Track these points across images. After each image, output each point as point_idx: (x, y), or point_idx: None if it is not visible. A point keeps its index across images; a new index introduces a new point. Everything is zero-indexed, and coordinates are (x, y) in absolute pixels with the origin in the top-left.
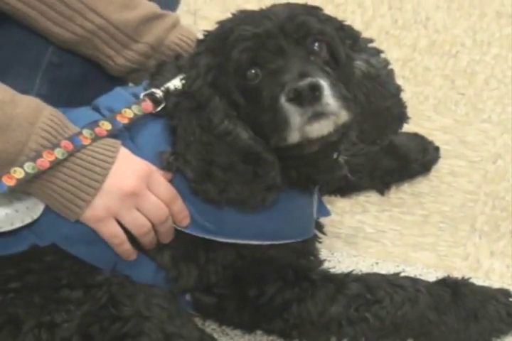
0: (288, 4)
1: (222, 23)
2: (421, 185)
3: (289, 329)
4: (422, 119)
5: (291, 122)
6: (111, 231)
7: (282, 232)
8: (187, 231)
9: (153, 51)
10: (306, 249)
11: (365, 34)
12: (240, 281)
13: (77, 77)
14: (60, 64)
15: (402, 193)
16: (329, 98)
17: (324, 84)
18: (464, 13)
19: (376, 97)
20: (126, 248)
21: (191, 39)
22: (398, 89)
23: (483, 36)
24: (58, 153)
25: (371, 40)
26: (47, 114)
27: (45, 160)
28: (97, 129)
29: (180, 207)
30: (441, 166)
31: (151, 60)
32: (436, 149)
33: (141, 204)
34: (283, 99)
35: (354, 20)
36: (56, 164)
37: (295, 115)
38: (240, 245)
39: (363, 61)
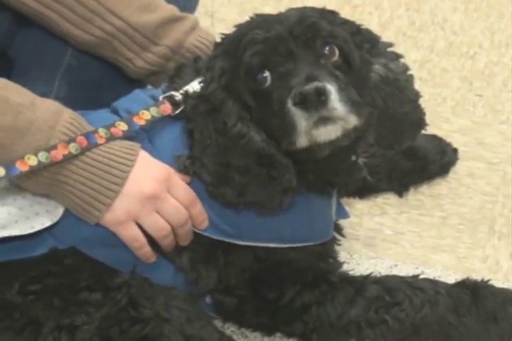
0: (304, 8)
1: (239, 27)
2: (439, 187)
3: (309, 333)
4: (440, 121)
5: (297, 126)
6: (131, 234)
7: (301, 235)
8: (206, 234)
9: (172, 53)
10: (325, 252)
11: (383, 36)
12: (259, 284)
13: (96, 79)
14: (78, 66)
15: (421, 195)
16: (336, 103)
17: (331, 88)
18: (481, 15)
19: (394, 102)
20: (145, 251)
21: (210, 41)
22: (417, 95)
23: (501, 37)
24: (72, 148)
25: (391, 45)
26: (66, 117)
27: (59, 152)
28: (112, 129)
29: (199, 209)
30: (460, 168)
31: (170, 62)
32: (455, 151)
33: (160, 208)
34: (290, 103)
35: (371, 21)
36: (69, 159)
37: (301, 119)
38: (258, 248)
39: (382, 65)
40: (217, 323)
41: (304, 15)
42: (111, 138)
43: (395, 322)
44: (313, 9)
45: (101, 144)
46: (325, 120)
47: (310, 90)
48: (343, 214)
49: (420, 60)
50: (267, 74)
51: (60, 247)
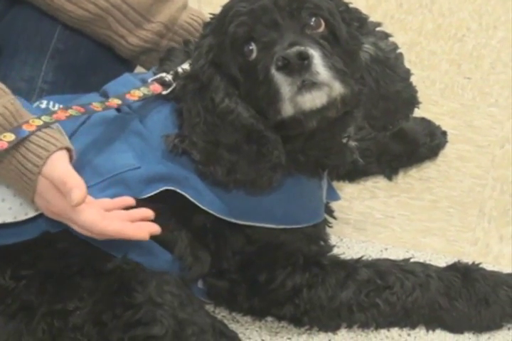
0: None
1: (225, 4)
2: (429, 170)
3: (300, 315)
4: (428, 104)
5: (281, 92)
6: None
7: (293, 216)
8: (210, 211)
9: (166, 30)
10: (317, 234)
11: (370, 18)
12: (250, 267)
13: (83, 63)
14: (65, 50)
15: (411, 178)
16: (319, 67)
17: (314, 53)
18: None
19: (385, 81)
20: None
21: (202, 19)
22: (408, 73)
23: (488, 20)
24: (72, 112)
25: (379, 24)
26: (3, 101)
27: (61, 115)
28: (107, 103)
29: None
30: (449, 151)
31: (164, 39)
32: (444, 133)
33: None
34: (273, 69)
35: (359, 4)
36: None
37: (285, 84)
38: (250, 230)
39: (371, 44)
40: (209, 308)
41: None
42: (106, 108)
43: (386, 306)
44: None
45: (98, 111)
46: (309, 85)
47: (292, 53)
48: (333, 196)
49: (408, 43)
50: (253, 46)
51: (53, 231)
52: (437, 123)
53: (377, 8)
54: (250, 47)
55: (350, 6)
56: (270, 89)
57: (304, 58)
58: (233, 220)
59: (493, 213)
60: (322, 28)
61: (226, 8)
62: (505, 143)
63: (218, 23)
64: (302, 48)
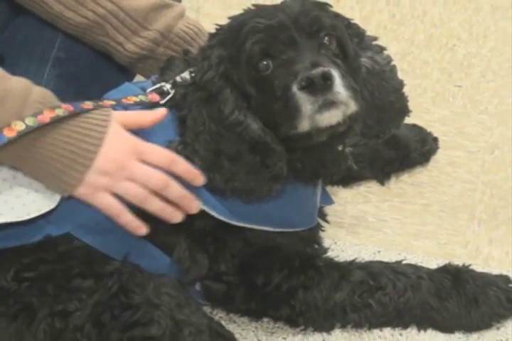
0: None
1: (234, 18)
2: (421, 176)
3: (296, 316)
4: (420, 111)
5: (302, 110)
6: (104, 203)
7: (289, 221)
8: (204, 208)
9: (162, 38)
10: (311, 238)
11: (366, 31)
12: (247, 269)
13: (84, 72)
14: (66, 59)
15: (403, 183)
16: (340, 87)
17: (335, 73)
18: (459, 7)
19: (380, 93)
20: (126, 218)
21: (198, 28)
22: (401, 84)
23: (478, 30)
24: (59, 112)
25: (375, 38)
26: (38, 88)
27: (46, 116)
28: (100, 102)
29: (183, 166)
30: (440, 157)
31: (160, 47)
32: (435, 140)
33: (130, 175)
34: (295, 88)
35: (353, 15)
36: (54, 131)
37: (306, 103)
38: (248, 233)
39: (368, 58)
40: (206, 310)
41: (305, 6)
42: (97, 106)
43: (379, 306)
44: (309, 1)
45: (87, 109)
46: (329, 104)
47: (317, 74)
48: (327, 200)
49: (401, 53)
50: (268, 62)
51: (55, 234)
52: (429, 129)
53: (371, 18)
54: (265, 63)
55: (351, 21)
56: (289, 106)
57: (327, 79)
58: (234, 222)
59: (482, 217)
60: (334, 47)
61: (239, 23)
62: (495, 149)
63: (230, 36)
64: (326, 69)
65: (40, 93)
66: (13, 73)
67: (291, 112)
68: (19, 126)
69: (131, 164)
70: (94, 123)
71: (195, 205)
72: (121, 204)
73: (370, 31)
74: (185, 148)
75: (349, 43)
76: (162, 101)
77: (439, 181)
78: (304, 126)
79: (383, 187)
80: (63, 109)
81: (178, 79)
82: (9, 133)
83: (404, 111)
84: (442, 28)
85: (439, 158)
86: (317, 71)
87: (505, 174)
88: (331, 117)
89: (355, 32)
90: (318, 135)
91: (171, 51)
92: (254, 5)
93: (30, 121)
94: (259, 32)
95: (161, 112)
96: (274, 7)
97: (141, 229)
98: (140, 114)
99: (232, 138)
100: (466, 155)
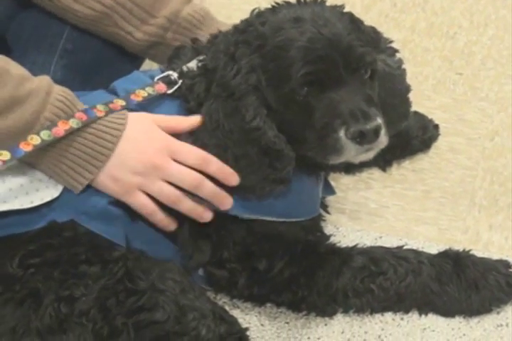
0: (336, 22)
1: (267, 19)
2: (422, 162)
3: (298, 302)
4: (421, 99)
5: (344, 153)
6: (138, 202)
7: (291, 211)
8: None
9: (170, 23)
10: (314, 226)
11: (366, 17)
12: (250, 256)
13: (90, 62)
14: (73, 50)
15: (404, 170)
16: (383, 136)
17: (382, 124)
18: None
19: (387, 95)
20: (159, 218)
21: (205, 12)
22: (407, 89)
23: (479, 18)
24: (73, 123)
25: (391, 41)
26: (59, 87)
27: (60, 128)
28: (111, 105)
29: (217, 165)
30: (441, 143)
31: (169, 32)
32: (436, 127)
33: (164, 175)
34: (342, 134)
35: (355, 3)
36: (70, 134)
37: (351, 149)
38: (250, 222)
39: (382, 61)
40: (210, 295)
41: (348, 37)
42: (110, 111)
43: (380, 291)
44: (346, 26)
45: (100, 117)
46: (371, 149)
47: (371, 130)
48: (329, 191)
49: (402, 40)
50: (310, 89)
51: (59, 220)
52: (430, 117)
53: (373, 7)
54: (306, 90)
55: (376, 29)
56: (328, 143)
57: (378, 132)
58: (237, 214)
59: (483, 203)
60: (368, 75)
61: (284, 39)
62: (495, 135)
63: (270, 49)
64: (378, 123)
65: (60, 89)
66: (21, 65)
67: (329, 149)
68: (35, 141)
69: (166, 163)
70: (109, 126)
71: (228, 202)
72: (154, 204)
73: (371, 19)
74: (195, 141)
75: (378, 70)
76: (169, 92)
77: (439, 167)
78: (337, 161)
79: (385, 173)
80: (77, 119)
81: (184, 68)
82: (26, 148)
83: (406, 115)
84: (443, 16)
85: (439, 144)
86: (371, 126)
87: (505, 160)
88: (368, 156)
89: (375, 38)
90: (341, 163)
91: (179, 36)
92: (284, 4)
93: (45, 135)
94: (309, 63)
95: (196, 119)
96: (313, 20)
97: (173, 225)
98: (177, 119)
99: (245, 140)
100: (467, 142)
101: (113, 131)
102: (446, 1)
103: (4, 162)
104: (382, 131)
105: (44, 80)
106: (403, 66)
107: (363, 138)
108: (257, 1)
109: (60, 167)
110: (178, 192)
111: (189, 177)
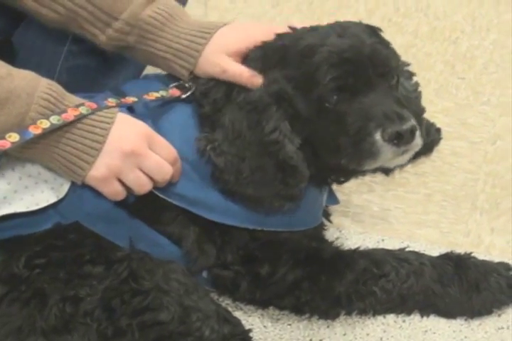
0: (361, 32)
1: (284, 37)
2: (424, 166)
3: (301, 305)
4: (424, 103)
5: (381, 156)
6: (112, 190)
7: (296, 222)
8: (209, 217)
9: (130, 27)
10: (317, 233)
11: (369, 22)
12: (253, 261)
13: (96, 64)
14: (78, 52)
15: (406, 173)
16: (419, 138)
17: (416, 124)
18: (463, 1)
19: None
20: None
21: (168, 13)
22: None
23: (481, 22)
24: (83, 110)
25: (408, 64)
26: (44, 83)
27: (70, 114)
28: (123, 99)
29: (179, 167)
30: (443, 147)
31: (130, 36)
32: (438, 130)
33: (142, 164)
34: (379, 137)
35: (358, 8)
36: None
37: (389, 152)
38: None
39: (400, 84)
40: (213, 296)
41: (370, 42)
42: (121, 103)
43: (383, 293)
44: (364, 30)
45: (111, 106)
46: (407, 152)
47: (407, 130)
48: (333, 200)
49: (405, 45)
50: (339, 96)
51: (64, 222)
52: (432, 120)
53: (376, 11)
54: (336, 97)
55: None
56: (363, 148)
57: (414, 132)
58: (244, 226)
59: (484, 206)
60: (395, 81)
61: (306, 46)
62: (497, 139)
63: (292, 58)
64: (414, 124)
65: (45, 86)
66: (26, 68)
67: (364, 153)
68: (44, 124)
69: (144, 150)
70: (98, 120)
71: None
72: (125, 193)
73: (375, 24)
74: (213, 149)
75: (401, 76)
76: (183, 96)
77: (442, 171)
78: (372, 166)
79: (387, 177)
80: (87, 107)
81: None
82: (35, 130)
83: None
84: (446, 21)
85: (442, 148)
86: (407, 126)
87: (507, 164)
88: (404, 160)
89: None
90: (371, 169)
91: (143, 39)
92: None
93: (54, 119)
94: (335, 66)
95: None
96: (331, 27)
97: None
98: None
99: (263, 153)
100: (469, 146)
101: (102, 124)
102: (448, 5)
103: (13, 144)
104: (418, 132)
105: (27, 76)
106: (419, 89)
107: (400, 140)
108: (260, 5)
109: (54, 164)
110: (151, 184)
111: (163, 170)
